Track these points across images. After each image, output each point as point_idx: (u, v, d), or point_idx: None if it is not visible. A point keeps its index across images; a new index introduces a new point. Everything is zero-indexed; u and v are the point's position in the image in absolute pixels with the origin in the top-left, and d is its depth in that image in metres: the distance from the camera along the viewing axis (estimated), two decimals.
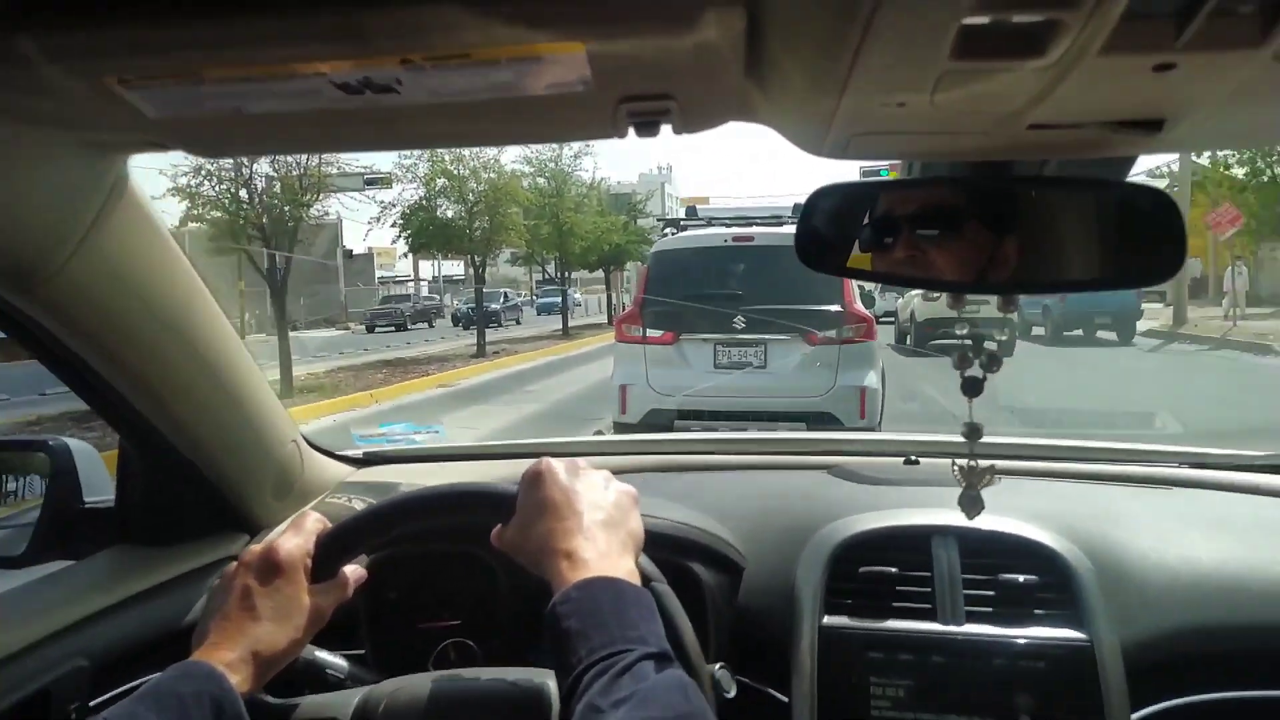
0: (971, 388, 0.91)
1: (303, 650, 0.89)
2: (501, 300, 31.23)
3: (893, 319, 15.90)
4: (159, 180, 13.33)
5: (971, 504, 1.01)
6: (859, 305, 6.10)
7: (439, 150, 17.08)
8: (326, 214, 15.65)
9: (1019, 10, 0.46)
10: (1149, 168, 17.80)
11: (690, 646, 0.87)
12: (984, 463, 1.00)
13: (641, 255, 27.32)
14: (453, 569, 1.28)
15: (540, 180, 22.50)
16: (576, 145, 22.19)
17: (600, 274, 30.16)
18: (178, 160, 13.39)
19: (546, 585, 0.78)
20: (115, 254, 0.95)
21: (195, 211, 13.45)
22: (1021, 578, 1.15)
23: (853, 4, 0.46)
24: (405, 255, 24.31)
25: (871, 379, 5.95)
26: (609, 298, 30.44)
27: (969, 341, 0.93)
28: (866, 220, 0.90)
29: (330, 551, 0.91)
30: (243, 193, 13.39)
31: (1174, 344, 16.21)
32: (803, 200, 0.89)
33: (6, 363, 9.56)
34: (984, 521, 1.16)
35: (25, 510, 1.27)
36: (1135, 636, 1.11)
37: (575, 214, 23.04)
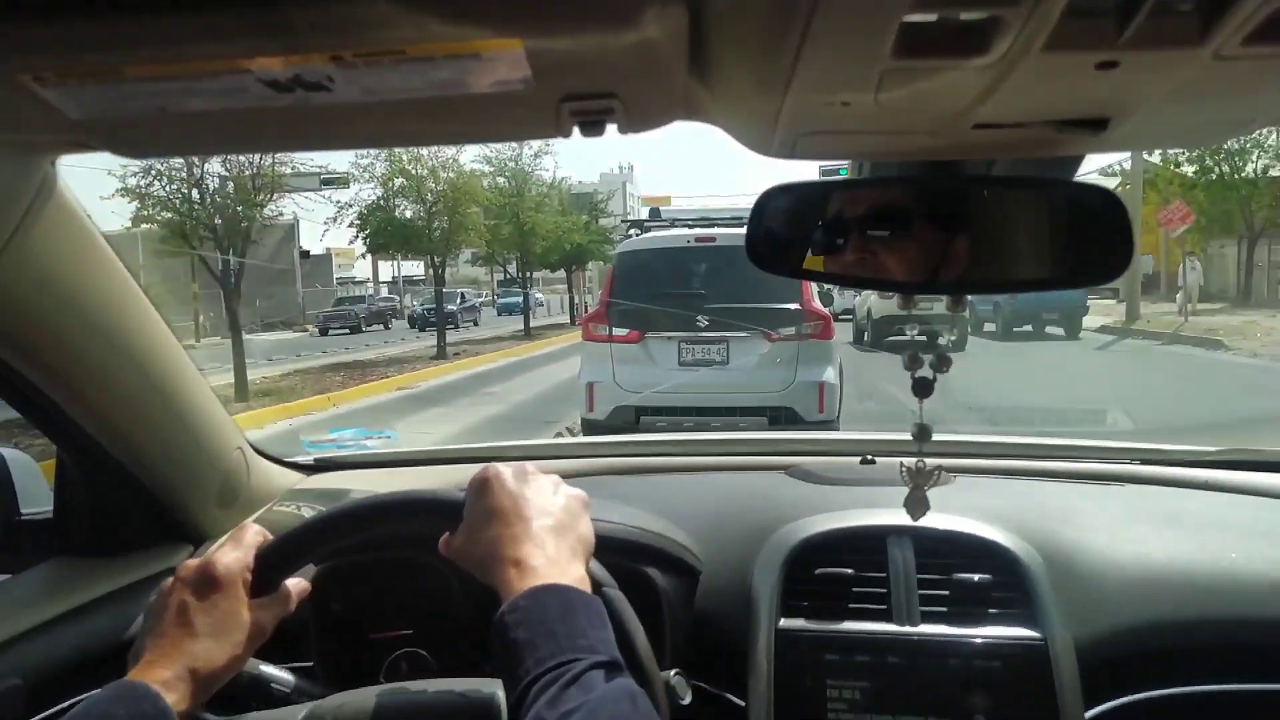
0: (922, 388, 0.92)
1: (244, 666, 0.86)
2: (458, 301, 30.08)
3: (851, 317, 16.21)
4: (107, 180, 13.05)
5: (917, 505, 1.01)
6: (817, 303, 6.31)
7: (396, 150, 16.92)
8: (281, 214, 15.39)
9: (959, 7, 0.46)
10: (1101, 166, 18.26)
11: (643, 653, 0.86)
12: (931, 463, 1.00)
13: (603, 255, 27.33)
14: (405, 577, 1.26)
15: (500, 180, 22.37)
16: (536, 144, 22.09)
17: (562, 274, 30.03)
18: (128, 160, 13.12)
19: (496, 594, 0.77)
20: (43, 258, 0.92)
21: (145, 212, 13.17)
22: (976, 577, 1.15)
23: (792, 2, 0.45)
24: (363, 256, 24.01)
25: (829, 374, 6.16)
26: (571, 297, 30.33)
27: (923, 338, 0.93)
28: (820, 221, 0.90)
29: (270, 565, 0.88)
30: (194, 193, 13.14)
31: (1128, 340, 16.55)
32: None
33: None
34: (938, 521, 1.16)
35: None
36: (1089, 634, 1.12)
37: (536, 214, 22.91)
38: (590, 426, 6.40)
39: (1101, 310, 20.58)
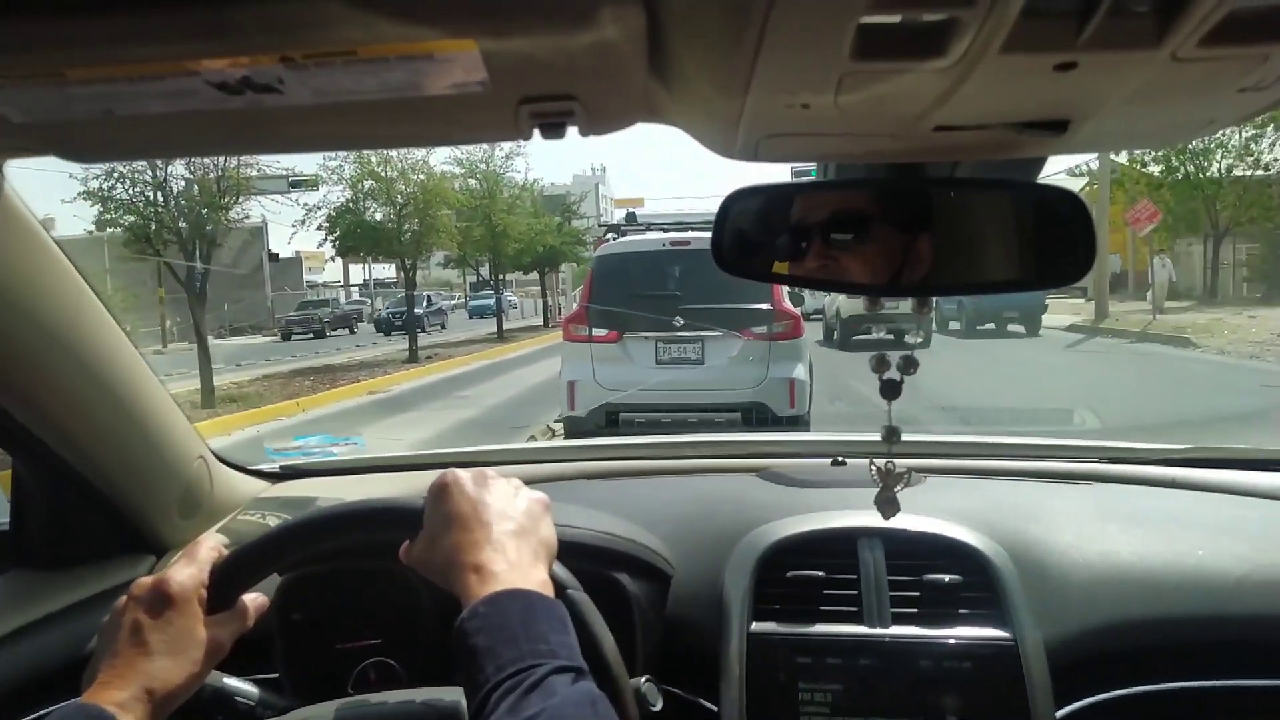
0: (890, 390, 0.92)
1: (201, 684, 0.84)
2: (424, 304, 28.95)
3: (821, 316, 16.53)
4: (69, 184, 12.87)
5: (887, 505, 1.02)
6: (787, 304, 6.60)
7: (365, 151, 16.79)
8: (247, 217, 15.19)
9: (915, 9, 0.46)
10: (1068, 166, 18.53)
11: (610, 655, 0.85)
12: (902, 464, 1.00)
13: (576, 256, 27.28)
14: (372, 586, 1.24)
15: (472, 182, 22.22)
16: (507, 146, 22.01)
17: (535, 276, 29.90)
18: (82, 164, 12.91)
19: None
20: None
21: (108, 216, 12.96)
22: (946, 578, 1.16)
23: (748, 3, 0.45)
24: (333, 259, 23.75)
25: (799, 371, 6.47)
26: (544, 300, 30.19)
27: (890, 336, 0.94)
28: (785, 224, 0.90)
29: (226, 580, 0.86)
30: (157, 196, 12.95)
31: (1096, 338, 16.79)
32: None
33: None
34: (908, 522, 1.17)
35: None
36: (1058, 633, 1.13)
37: (508, 215, 22.81)
38: (572, 424, 6.68)
39: (1070, 309, 20.90)
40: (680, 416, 6.20)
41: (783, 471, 1.48)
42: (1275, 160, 22.09)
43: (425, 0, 0.49)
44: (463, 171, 22.00)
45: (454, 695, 0.89)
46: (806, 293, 7.94)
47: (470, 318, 35.94)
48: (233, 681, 0.99)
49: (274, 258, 35.71)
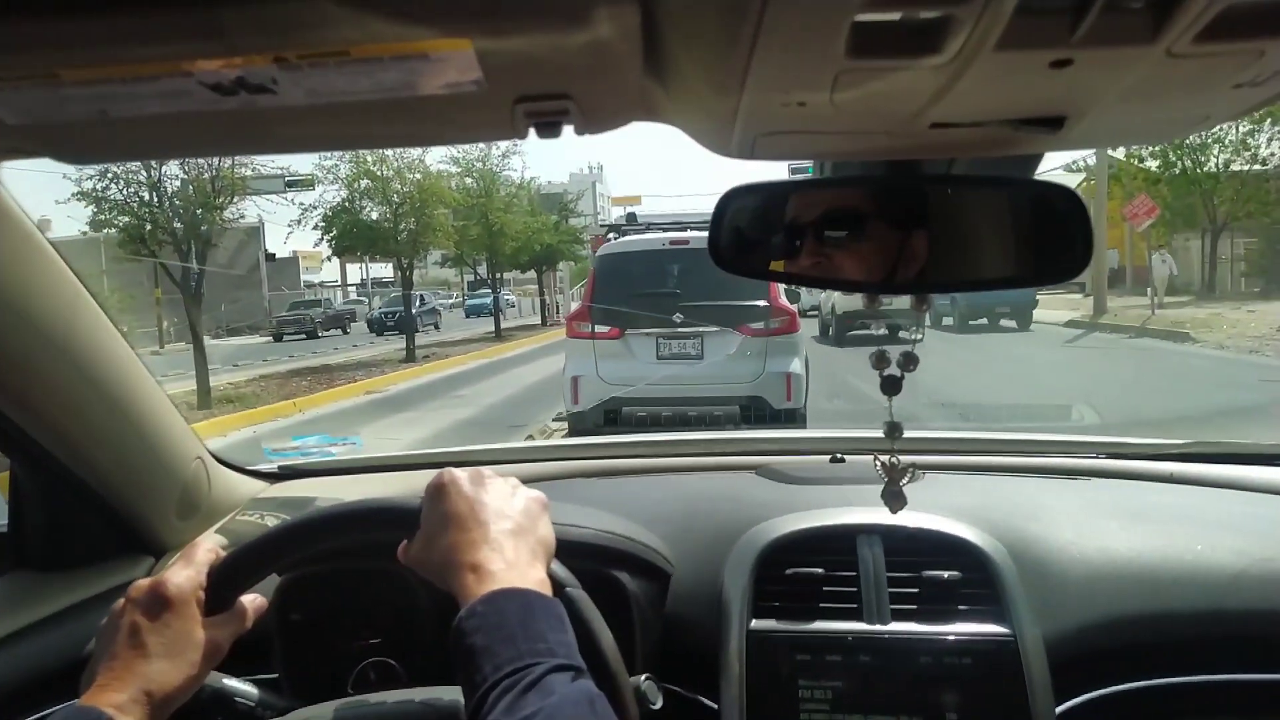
0: (891, 386, 0.92)
1: (200, 685, 0.84)
2: (418, 304, 28.09)
3: (817, 313, 16.76)
4: (63, 185, 12.85)
5: (894, 499, 1.02)
6: (784, 300, 6.81)
7: (361, 151, 16.76)
8: (242, 217, 15.15)
9: (911, 6, 0.45)
10: (1065, 162, 18.52)
11: (609, 653, 0.85)
12: (905, 459, 1.00)
13: (574, 255, 27.23)
14: (371, 586, 1.24)
15: (468, 180, 22.17)
16: (504, 144, 21.97)
17: (533, 274, 29.81)
18: (75, 165, 12.87)
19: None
20: None
21: (102, 216, 12.92)
22: (945, 574, 1.16)
23: (743, 1, 0.45)
24: (329, 259, 23.66)
25: (796, 365, 6.70)
26: (542, 298, 30.12)
27: (884, 331, 0.94)
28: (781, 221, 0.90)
29: (223, 582, 0.86)
30: (152, 196, 12.91)
31: (1095, 333, 16.82)
32: None
33: None
34: (907, 519, 1.17)
35: None
36: (1057, 629, 1.13)
37: (505, 214, 22.75)
38: (575, 418, 6.89)
39: (1068, 304, 20.90)
40: (680, 410, 6.33)
41: (781, 469, 1.48)
42: (1272, 155, 22.11)
43: (418, 0, 0.48)
44: (459, 170, 21.99)
45: (453, 694, 0.89)
46: (803, 290, 8.09)
47: (467, 317, 35.66)
48: (232, 682, 0.99)
49: (271, 258, 35.57)
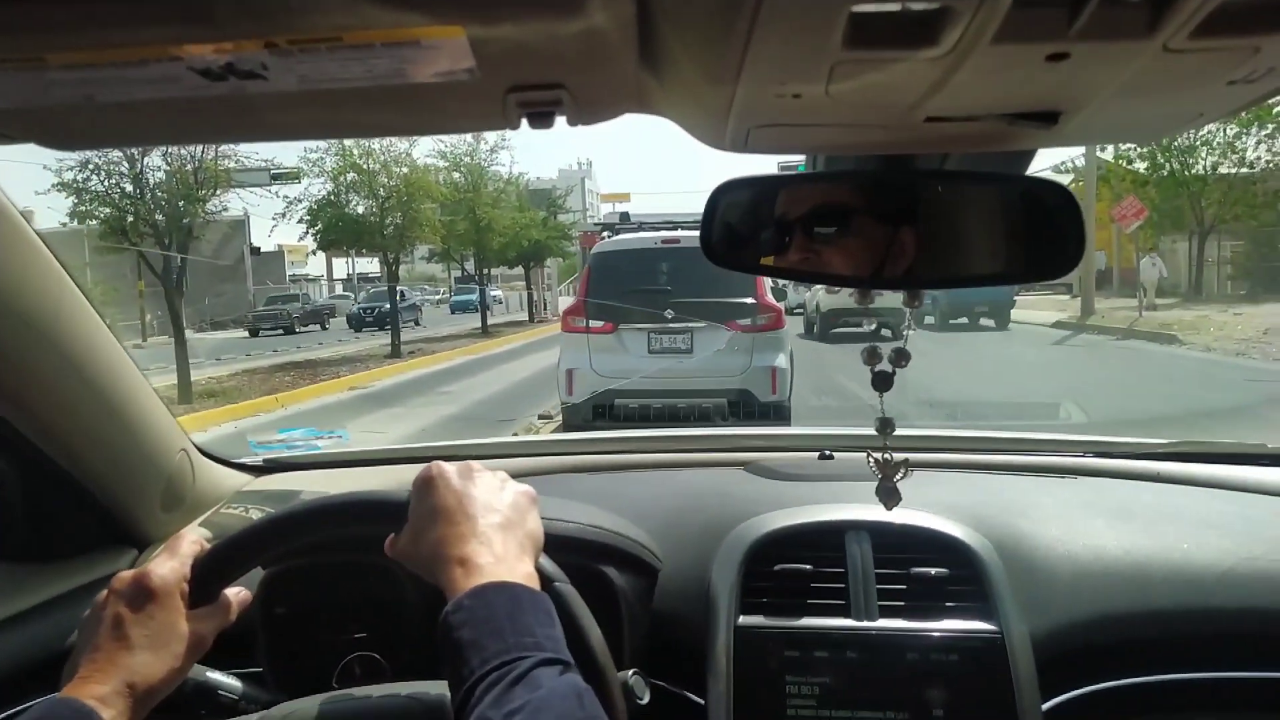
0: (882, 382, 0.92)
1: (183, 678, 0.84)
2: (399, 299, 28.49)
3: (803, 311, 17.11)
4: (43, 175, 12.69)
5: (888, 495, 1.02)
6: (770, 298, 7.16)
7: (347, 143, 16.65)
8: (225, 209, 14.98)
9: None
10: (1054, 163, 18.61)
11: (597, 648, 0.84)
12: (898, 455, 1.00)
13: (562, 251, 27.16)
14: (357, 580, 1.23)
15: (456, 175, 22.05)
16: (492, 139, 21.94)
17: (520, 270, 29.70)
18: (63, 154, 12.73)
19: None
20: None
21: (83, 208, 12.78)
22: (933, 571, 1.16)
23: None
24: (314, 253, 23.48)
25: (781, 360, 7.00)
26: (530, 294, 30.00)
27: (871, 328, 0.94)
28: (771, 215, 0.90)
29: (208, 574, 0.85)
30: (133, 188, 12.75)
31: (1083, 335, 16.92)
32: None
33: None
34: (896, 515, 1.17)
35: None
36: (1044, 626, 1.13)
37: (493, 209, 22.64)
38: (570, 411, 7.20)
39: (1055, 305, 21.02)
40: (670, 403, 6.67)
41: (770, 465, 1.48)
42: (1260, 158, 22.30)
43: None
44: (447, 165, 21.84)
45: (439, 689, 0.88)
46: (790, 289, 8.31)
47: (452, 313, 35.25)
48: (216, 675, 0.99)
49: (256, 251, 35.31)
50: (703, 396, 6.80)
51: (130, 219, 12.91)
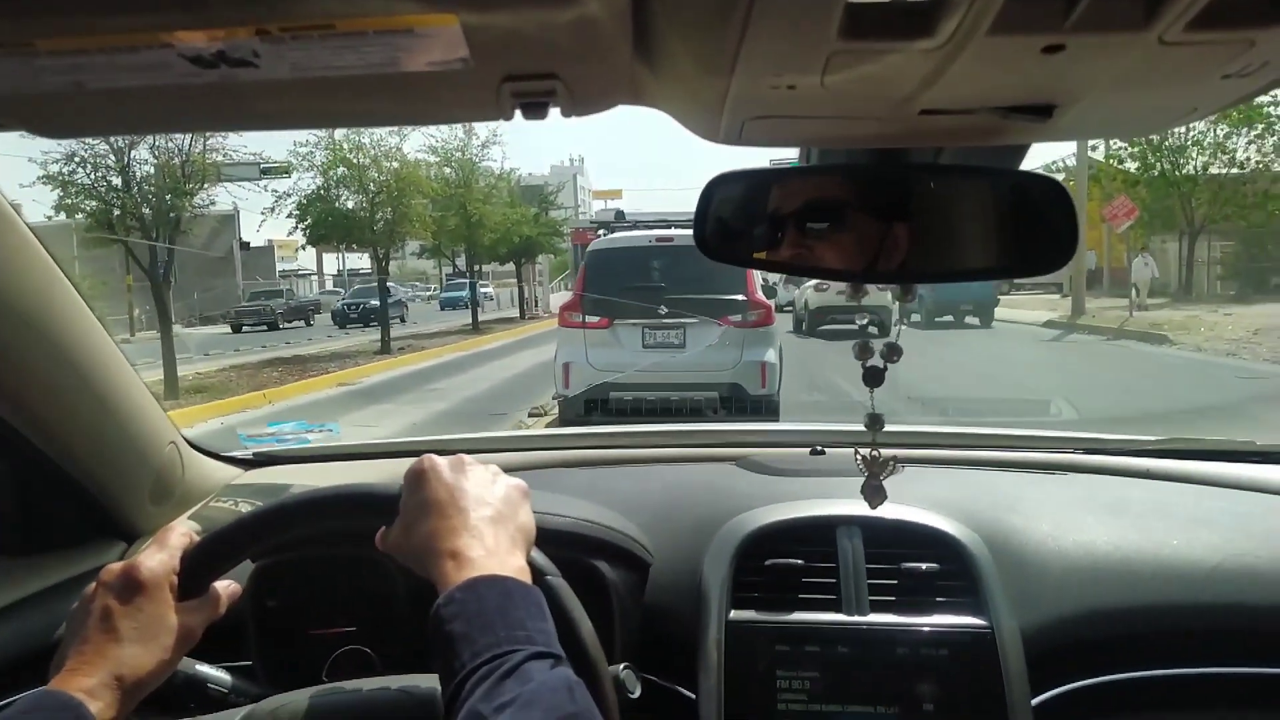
0: (873, 378, 0.92)
1: (172, 671, 0.83)
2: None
3: (792, 308, 17.33)
4: (28, 168, 12.58)
5: (874, 493, 1.02)
6: (760, 295, 7.45)
7: (337, 137, 16.59)
8: (213, 203, 14.87)
9: None
10: (1045, 161, 18.67)
11: (588, 641, 0.84)
12: (886, 452, 1.00)
13: (553, 247, 27.08)
14: (347, 573, 1.23)
15: (447, 170, 21.95)
16: (484, 134, 21.87)
17: (511, 266, 29.60)
18: (49, 146, 12.61)
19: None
20: None
21: (69, 201, 12.66)
22: (924, 566, 1.16)
23: None
24: (303, 248, 23.36)
25: (770, 355, 7.25)
26: (520, 291, 29.92)
27: (862, 322, 0.94)
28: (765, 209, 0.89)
29: (197, 567, 0.85)
30: (119, 180, 12.64)
31: (1074, 334, 16.97)
32: None
33: None
34: (887, 511, 1.17)
35: None
36: (1035, 621, 1.14)
37: (484, 205, 22.54)
38: (566, 404, 7.37)
39: (1046, 305, 21.07)
40: (663, 396, 6.83)
41: (762, 460, 1.48)
42: (1250, 158, 22.43)
43: None
44: (438, 160, 21.73)
45: (430, 682, 0.88)
46: (779, 287, 8.53)
47: (441, 309, 34.97)
48: (205, 669, 0.98)
49: (246, 246, 35.10)
50: (695, 390, 6.98)
51: (117, 212, 12.81)
